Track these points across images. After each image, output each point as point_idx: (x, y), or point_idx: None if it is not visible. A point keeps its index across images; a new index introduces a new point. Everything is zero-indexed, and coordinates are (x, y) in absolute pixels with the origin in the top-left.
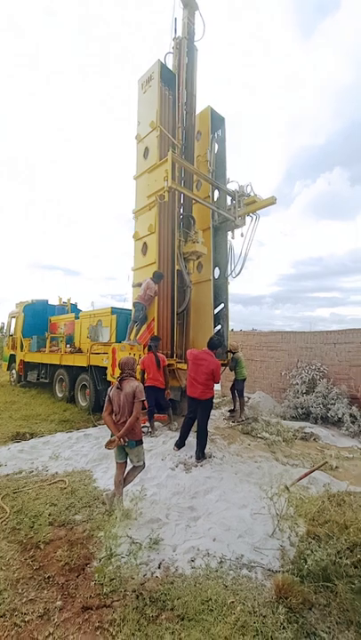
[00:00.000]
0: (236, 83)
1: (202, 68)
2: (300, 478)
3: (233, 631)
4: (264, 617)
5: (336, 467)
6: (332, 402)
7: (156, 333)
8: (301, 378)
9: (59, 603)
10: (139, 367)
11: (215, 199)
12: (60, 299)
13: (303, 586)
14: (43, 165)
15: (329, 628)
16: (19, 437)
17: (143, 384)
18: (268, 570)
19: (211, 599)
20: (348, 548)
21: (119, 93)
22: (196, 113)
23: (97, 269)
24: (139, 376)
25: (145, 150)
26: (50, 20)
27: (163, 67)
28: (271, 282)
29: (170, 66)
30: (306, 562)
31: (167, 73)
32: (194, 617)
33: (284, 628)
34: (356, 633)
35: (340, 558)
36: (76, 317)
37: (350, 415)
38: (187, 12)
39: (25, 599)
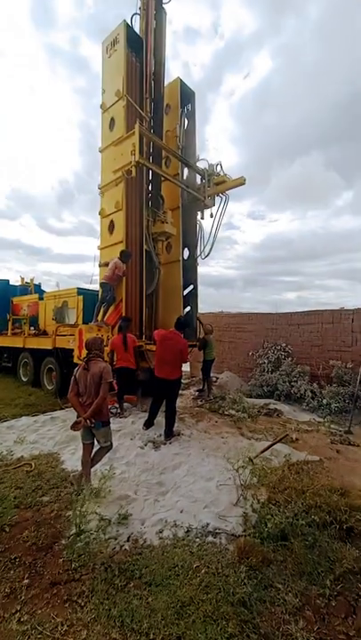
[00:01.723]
0: (203, 56)
1: (170, 35)
2: (264, 450)
3: (197, 592)
4: (227, 576)
5: (296, 439)
6: (295, 379)
7: (124, 314)
8: (268, 358)
9: (26, 581)
10: (107, 348)
11: (184, 177)
12: (23, 279)
13: (263, 547)
14: None
15: (284, 580)
16: None
17: (113, 365)
18: (232, 535)
19: (177, 565)
20: (303, 510)
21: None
22: (165, 84)
23: (63, 248)
24: (107, 357)
25: (111, 121)
26: None
27: (129, 29)
28: (241, 265)
29: (137, 29)
30: (266, 525)
31: (134, 36)
32: (161, 582)
33: (244, 584)
34: (307, 581)
35: (297, 520)
36: (40, 298)
37: (311, 392)
38: None
39: None
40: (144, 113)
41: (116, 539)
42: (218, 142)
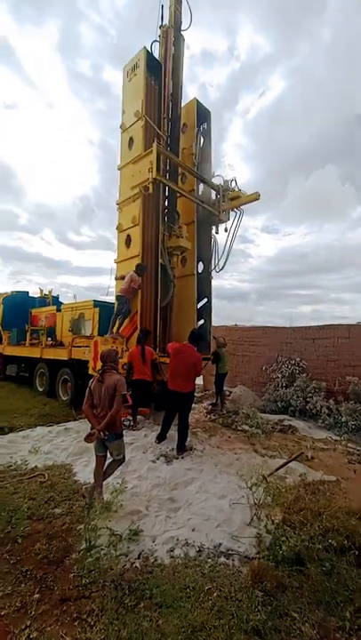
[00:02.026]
0: (219, 76)
1: (188, 59)
2: (278, 468)
3: (210, 616)
4: (240, 601)
5: (312, 457)
6: (310, 395)
7: (140, 327)
8: (282, 372)
9: (36, 596)
10: (125, 359)
11: (200, 193)
12: (42, 291)
13: (278, 571)
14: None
15: (300, 608)
16: None
17: (130, 377)
18: (245, 557)
19: (188, 587)
20: (320, 533)
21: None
22: (182, 105)
23: (81, 261)
24: (123, 370)
25: (129, 140)
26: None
27: (149, 55)
28: (255, 278)
29: (156, 55)
30: (281, 548)
31: (153, 62)
32: (172, 604)
33: (258, 610)
34: (325, 611)
35: (313, 543)
36: (58, 310)
37: (327, 408)
38: None
39: (1, 594)
40: (161, 132)
41: (126, 555)
42: (234, 159)
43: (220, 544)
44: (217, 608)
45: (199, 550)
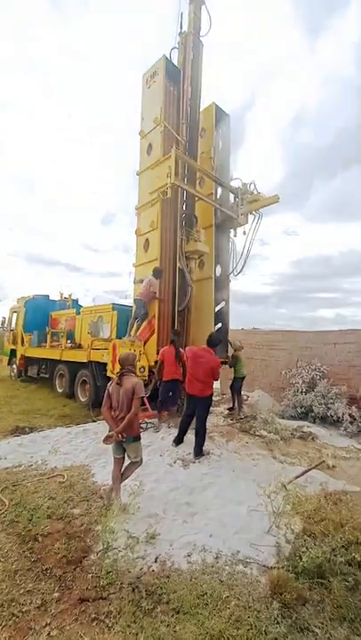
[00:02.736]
0: (241, 77)
1: (207, 63)
2: (298, 476)
3: (227, 625)
4: (258, 612)
5: (333, 466)
6: (331, 401)
7: (156, 331)
8: (302, 377)
9: (56, 594)
10: (142, 362)
11: (218, 196)
12: (62, 294)
13: (298, 582)
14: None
15: (322, 623)
16: (18, 431)
17: (160, 376)
18: (264, 566)
19: (206, 593)
20: (342, 546)
21: (124, 88)
22: (201, 109)
23: (99, 265)
24: (140, 372)
25: (148, 146)
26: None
27: (168, 62)
28: (276, 281)
29: (175, 61)
30: (301, 559)
31: (172, 68)
32: (189, 610)
33: (277, 622)
34: (349, 629)
35: (335, 556)
36: (77, 313)
37: (349, 415)
38: (193, 6)
39: (23, 590)
40: (180, 137)
41: (143, 558)
42: (255, 161)
43: (238, 551)
44: (235, 617)
45: (217, 557)
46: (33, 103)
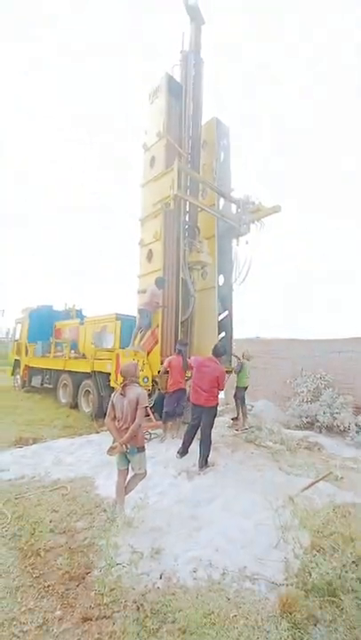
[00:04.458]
0: (240, 91)
1: (208, 78)
2: (305, 488)
3: None
4: (267, 632)
5: (341, 477)
6: (337, 411)
7: (159, 341)
8: (306, 386)
9: (58, 613)
10: (163, 365)
11: (220, 207)
12: (66, 304)
13: (308, 600)
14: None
15: None
16: (21, 442)
17: (164, 386)
18: (272, 582)
19: (213, 612)
20: (353, 561)
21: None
22: (203, 123)
23: (105, 274)
24: (150, 376)
25: (152, 159)
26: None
27: (170, 79)
28: (279, 289)
29: (177, 78)
30: (310, 575)
31: (174, 85)
32: (195, 631)
33: None
34: None
35: (346, 572)
36: (81, 323)
37: (356, 425)
38: (193, 25)
39: (24, 608)
40: (182, 150)
41: (148, 574)
42: (256, 170)
43: (245, 567)
44: (244, 638)
45: (223, 573)
46: (33, 103)
